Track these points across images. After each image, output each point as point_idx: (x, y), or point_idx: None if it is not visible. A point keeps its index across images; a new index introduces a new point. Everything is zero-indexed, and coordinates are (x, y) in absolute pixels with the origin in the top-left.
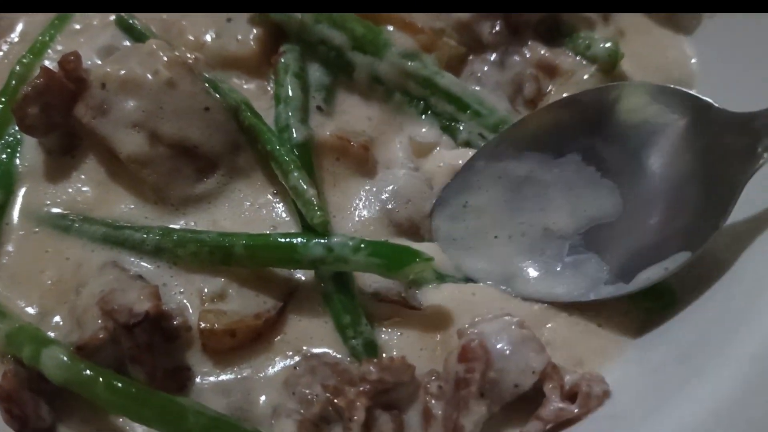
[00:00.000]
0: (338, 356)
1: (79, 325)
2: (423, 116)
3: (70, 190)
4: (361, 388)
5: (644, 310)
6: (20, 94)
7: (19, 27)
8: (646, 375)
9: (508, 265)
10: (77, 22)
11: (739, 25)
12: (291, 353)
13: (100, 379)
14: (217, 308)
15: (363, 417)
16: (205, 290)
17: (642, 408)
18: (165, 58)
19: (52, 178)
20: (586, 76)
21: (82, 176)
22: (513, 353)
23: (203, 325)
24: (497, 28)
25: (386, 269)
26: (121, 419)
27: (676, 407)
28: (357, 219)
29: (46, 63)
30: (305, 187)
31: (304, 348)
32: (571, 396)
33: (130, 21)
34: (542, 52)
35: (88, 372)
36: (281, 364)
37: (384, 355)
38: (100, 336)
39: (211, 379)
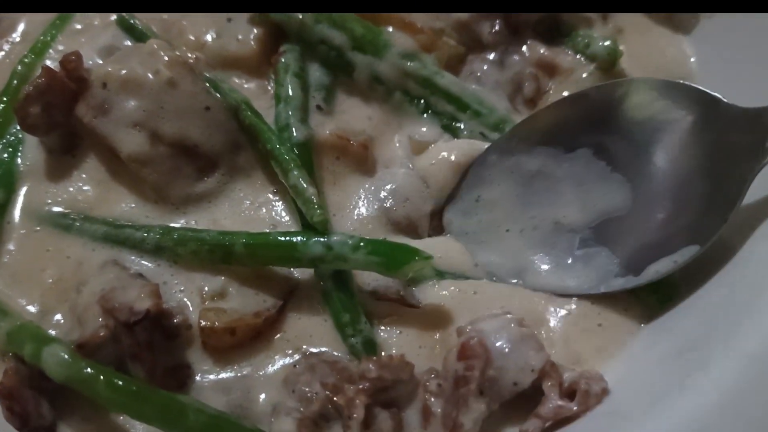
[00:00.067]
0: (337, 354)
1: (79, 323)
2: (424, 115)
3: (71, 189)
4: (361, 386)
5: (643, 307)
6: (22, 93)
7: (21, 27)
8: (645, 372)
9: (520, 259)
10: (78, 22)
11: (737, 25)
12: (291, 351)
13: (101, 376)
14: (218, 306)
15: (362, 415)
16: (206, 289)
17: (641, 405)
18: (166, 58)
19: (54, 177)
20: (585, 75)
21: (83, 175)
22: (512, 351)
23: (203, 323)
24: (497, 28)
25: (385, 267)
26: (121, 417)
27: (675, 403)
28: (356, 217)
29: (48, 63)
30: (305, 185)
31: (304, 346)
32: (569, 394)
33: (131, 21)
34: (541, 51)
35: (88, 370)
36: (281, 362)
37: (383, 353)
38: (101, 334)
39: (211, 377)
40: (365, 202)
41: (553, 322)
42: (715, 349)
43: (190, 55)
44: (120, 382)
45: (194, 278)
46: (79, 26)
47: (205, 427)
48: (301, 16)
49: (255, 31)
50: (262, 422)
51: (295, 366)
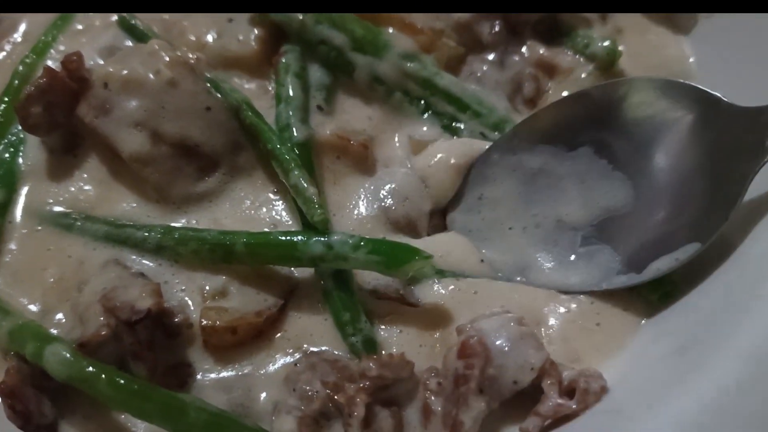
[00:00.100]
0: (338, 353)
1: (81, 322)
2: (424, 116)
3: (73, 189)
4: (361, 385)
5: (643, 305)
6: (23, 93)
7: (22, 27)
8: (644, 370)
9: (523, 256)
10: (79, 23)
11: (736, 25)
12: (291, 350)
13: (103, 375)
14: (219, 305)
15: (363, 413)
16: (207, 288)
17: (640, 403)
18: (167, 58)
19: (55, 177)
20: (584, 75)
21: (85, 175)
22: (512, 350)
23: (205, 322)
24: (496, 29)
25: (385, 267)
26: (122, 415)
27: (674, 401)
28: (355, 217)
29: (49, 63)
30: (305, 185)
31: (305, 345)
32: (569, 392)
33: (132, 21)
34: (541, 52)
35: (90, 368)
36: (282, 361)
37: (383, 351)
38: (102, 333)
39: (212, 375)
40: (365, 201)
41: (552, 321)
42: (714, 347)
43: (191, 55)
44: (121, 381)
45: (195, 277)
46: (80, 26)
47: (206, 425)
48: (301, 17)
49: (256, 31)
50: (263, 421)
51: (295, 365)
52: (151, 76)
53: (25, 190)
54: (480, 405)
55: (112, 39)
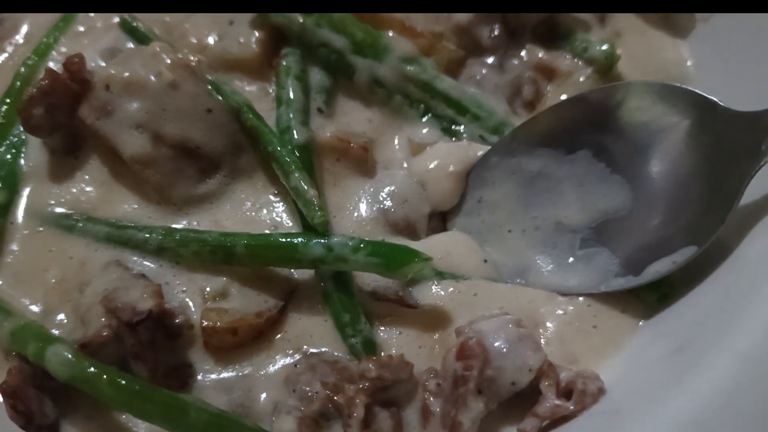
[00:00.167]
0: (338, 354)
1: (82, 322)
2: (424, 118)
3: (74, 190)
4: (361, 386)
5: (640, 307)
6: (25, 95)
7: (24, 29)
8: (641, 371)
9: (522, 258)
10: (81, 24)
11: (734, 27)
12: (291, 351)
13: (104, 376)
14: (219, 307)
15: (362, 414)
16: (207, 289)
17: (637, 404)
18: (168, 61)
19: (56, 178)
20: (582, 78)
21: (86, 176)
22: (510, 351)
23: (205, 323)
24: (496, 32)
25: (385, 269)
26: (124, 416)
27: (671, 402)
28: (355, 218)
29: (51, 65)
30: (306, 187)
31: (305, 346)
32: (566, 393)
33: (134, 23)
34: (540, 55)
35: (91, 369)
36: (282, 362)
37: (383, 353)
38: (104, 334)
39: (213, 376)
40: (364, 203)
41: (550, 323)
42: (711, 348)
43: (192, 57)
44: (123, 381)
45: (196, 279)
46: (81, 28)
47: (206, 426)
48: (302, 20)
49: (257, 34)
50: (264, 421)
51: (295, 366)
52: (153, 78)
53: (26, 192)
54: (478, 406)
55: (113, 41)
